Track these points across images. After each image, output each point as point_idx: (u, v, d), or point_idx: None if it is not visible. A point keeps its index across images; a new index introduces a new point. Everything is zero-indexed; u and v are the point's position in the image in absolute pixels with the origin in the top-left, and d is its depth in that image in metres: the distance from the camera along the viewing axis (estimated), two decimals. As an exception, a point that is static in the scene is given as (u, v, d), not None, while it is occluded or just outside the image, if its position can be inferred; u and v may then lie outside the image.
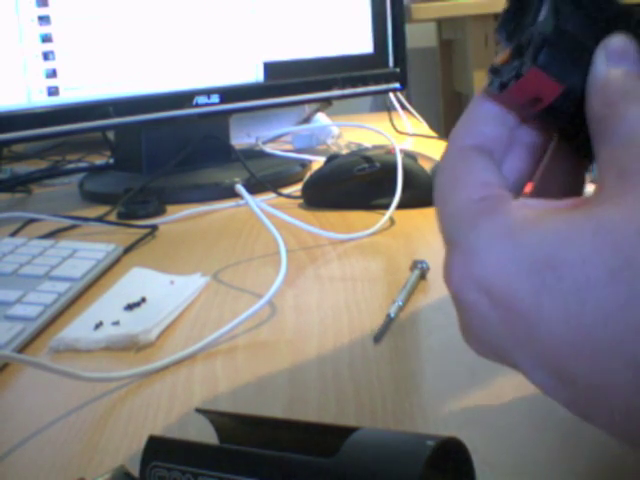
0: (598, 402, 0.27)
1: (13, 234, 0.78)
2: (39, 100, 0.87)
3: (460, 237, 0.30)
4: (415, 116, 1.45)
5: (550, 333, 0.27)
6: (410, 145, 1.20)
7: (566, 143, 0.35)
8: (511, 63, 0.33)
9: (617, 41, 0.31)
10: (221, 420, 0.37)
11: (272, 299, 0.57)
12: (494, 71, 0.35)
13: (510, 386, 0.42)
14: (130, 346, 0.52)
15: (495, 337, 0.29)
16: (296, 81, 1.06)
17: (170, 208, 0.88)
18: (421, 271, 0.60)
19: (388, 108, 1.38)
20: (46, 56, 0.87)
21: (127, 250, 0.73)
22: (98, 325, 0.54)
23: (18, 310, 0.56)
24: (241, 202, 0.83)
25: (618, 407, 0.27)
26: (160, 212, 0.87)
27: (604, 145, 0.29)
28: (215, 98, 0.98)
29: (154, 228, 0.80)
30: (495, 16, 1.93)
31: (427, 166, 0.85)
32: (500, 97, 0.33)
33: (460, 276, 0.29)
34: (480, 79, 2.21)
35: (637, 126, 0.28)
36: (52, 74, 0.88)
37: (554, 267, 0.27)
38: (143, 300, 0.58)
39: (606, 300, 0.26)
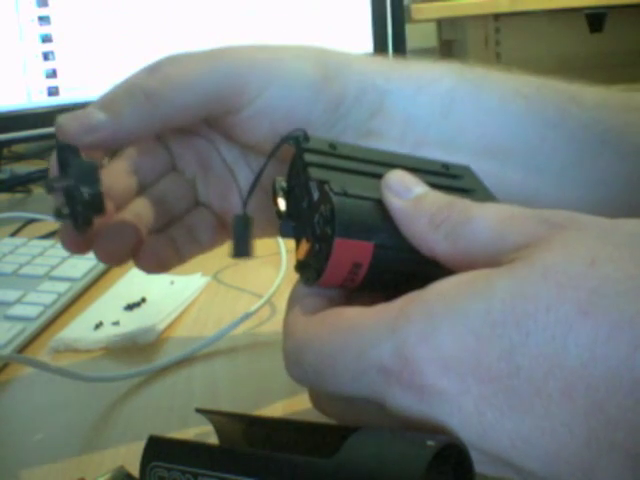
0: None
1: (13, 234, 0.78)
2: (39, 100, 0.87)
3: (398, 342, 0.28)
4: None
5: (536, 391, 0.26)
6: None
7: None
8: (315, 250, 0.33)
9: (394, 176, 0.33)
10: (221, 420, 0.37)
11: (272, 299, 0.57)
12: (303, 265, 0.34)
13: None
14: (130, 346, 0.52)
15: (472, 427, 0.27)
16: (296, 81, 1.05)
17: (170, 208, 0.88)
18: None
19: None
20: (46, 56, 0.87)
21: (127, 250, 0.73)
22: (98, 325, 0.54)
23: (18, 310, 0.56)
24: (241, 202, 0.83)
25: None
26: (160, 212, 0.87)
27: (477, 256, 0.29)
28: (215, 98, 0.98)
29: (154, 228, 0.79)
30: (495, 16, 1.93)
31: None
32: (323, 282, 0.33)
33: (422, 368, 0.28)
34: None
35: (490, 216, 0.30)
36: (52, 74, 0.87)
37: (517, 324, 0.26)
38: (143, 300, 0.58)
39: (587, 336, 0.25)
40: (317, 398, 0.34)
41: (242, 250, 0.37)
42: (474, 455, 0.28)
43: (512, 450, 0.27)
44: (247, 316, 0.53)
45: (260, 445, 0.32)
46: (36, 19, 0.86)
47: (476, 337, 0.27)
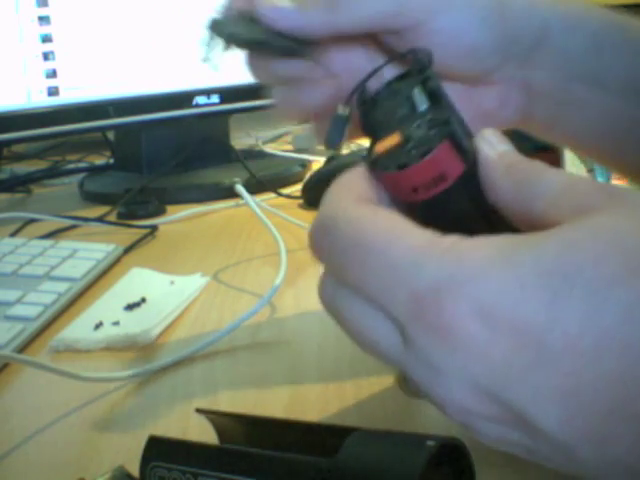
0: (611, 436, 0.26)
1: (13, 234, 0.78)
2: (39, 100, 0.87)
3: (441, 275, 0.27)
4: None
5: (569, 346, 0.26)
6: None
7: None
8: (405, 147, 0.33)
9: (490, 130, 0.34)
10: (221, 420, 0.37)
11: (272, 299, 0.57)
12: (379, 160, 0.34)
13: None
14: (130, 346, 0.52)
15: (496, 376, 0.27)
16: (296, 81, 1.06)
17: (170, 208, 0.88)
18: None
19: (388, 108, 1.38)
20: (46, 56, 0.87)
21: (127, 250, 0.73)
22: (98, 325, 0.54)
23: (18, 310, 0.56)
24: (241, 202, 0.83)
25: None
26: (160, 212, 0.87)
27: (536, 202, 0.30)
28: (215, 98, 0.98)
29: (154, 228, 0.80)
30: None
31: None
32: (397, 176, 0.33)
33: (456, 308, 0.27)
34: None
35: (561, 178, 0.30)
36: (52, 74, 0.88)
37: (564, 275, 0.26)
38: (143, 300, 0.58)
39: (629, 294, 0.25)
40: (324, 284, 0.32)
41: (334, 143, 0.38)
42: (486, 409, 0.27)
43: (532, 406, 0.27)
44: (247, 316, 0.53)
45: (260, 445, 0.32)
46: (36, 19, 0.86)
47: (521, 286, 0.27)
